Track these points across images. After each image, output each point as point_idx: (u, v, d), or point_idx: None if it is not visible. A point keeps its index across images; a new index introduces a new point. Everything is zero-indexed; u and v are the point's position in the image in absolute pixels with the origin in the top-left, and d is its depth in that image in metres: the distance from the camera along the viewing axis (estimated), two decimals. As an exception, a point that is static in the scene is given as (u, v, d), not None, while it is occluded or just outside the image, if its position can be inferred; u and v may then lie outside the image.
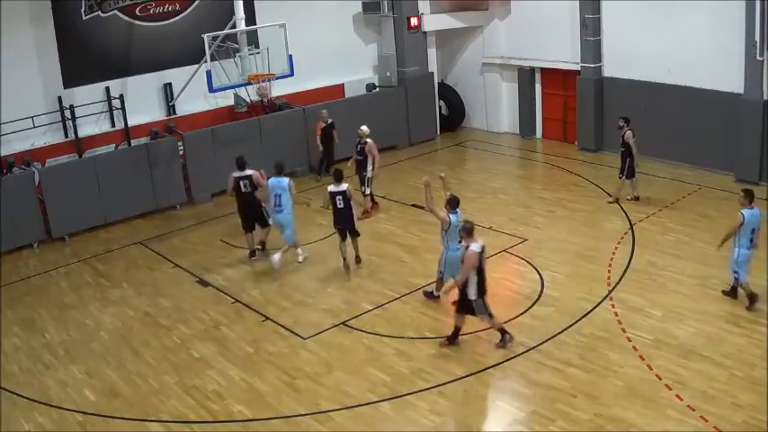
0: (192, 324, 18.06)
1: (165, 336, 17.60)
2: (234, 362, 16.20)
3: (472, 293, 15.35)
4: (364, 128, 23.91)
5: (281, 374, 15.61)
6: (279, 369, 15.83)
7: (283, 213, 20.57)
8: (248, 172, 20.96)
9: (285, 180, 20.58)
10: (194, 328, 17.88)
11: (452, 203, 17.63)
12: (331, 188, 20.10)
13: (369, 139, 23.63)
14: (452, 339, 16.08)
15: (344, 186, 19.95)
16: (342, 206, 20.00)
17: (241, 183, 20.91)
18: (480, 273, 15.32)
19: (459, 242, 16.32)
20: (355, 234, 20.45)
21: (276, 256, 20.38)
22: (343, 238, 20.30)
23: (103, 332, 18.06)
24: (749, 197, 16.74)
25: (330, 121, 27.72)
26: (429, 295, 18.38)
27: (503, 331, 15.86)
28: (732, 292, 17.40)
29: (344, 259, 20.44)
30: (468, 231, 15.54)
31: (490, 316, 15.65)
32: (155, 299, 19.60)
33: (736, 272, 17.01)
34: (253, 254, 21.58)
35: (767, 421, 12.81)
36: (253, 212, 21.29)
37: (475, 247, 15.26)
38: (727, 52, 24.22)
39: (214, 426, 14.12)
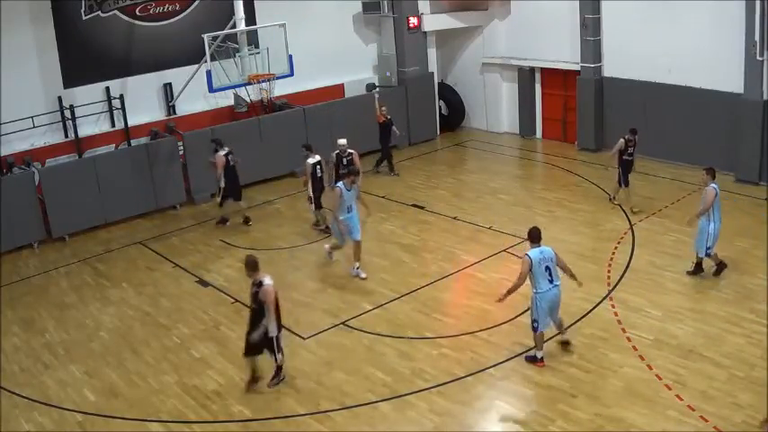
0: (191, 324, 18.07)
1: (165, 336, 17.61)
2: (234, 362, 16.15)
3: (273, 330, 14.65)
4: (344, 140, 23.17)
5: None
6: (279, 369, 15.84)
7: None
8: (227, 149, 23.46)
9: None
10: (194, 327, 17.88)
11: (533, 237, 15.10)
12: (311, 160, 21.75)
13: (352, 150, 23.15)
14: (252, 384, 15.16)
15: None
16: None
17: (229, 157, 23.35)
18: (278, 307, 14.72)
19: (550, 281, 14.89)
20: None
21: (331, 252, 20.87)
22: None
23: (103, 332, 18.07)
24: (712, 173, 18.02)
25: (389, 117, 27.87)
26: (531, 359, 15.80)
27: (279, 370, 15.25)
28: (698, 269, 18.37)
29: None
30: (252, 266, 14.61)
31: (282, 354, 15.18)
32: (155, 299, 19.62)
33: (709, 247, 17.96)
34: (248, 220, 24.25)
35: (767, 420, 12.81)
36: (239, 183, 24.08)
37: (268, 281, 14.40)
38: (727, 52, 24.25)
39: (214, 426, 14.12)
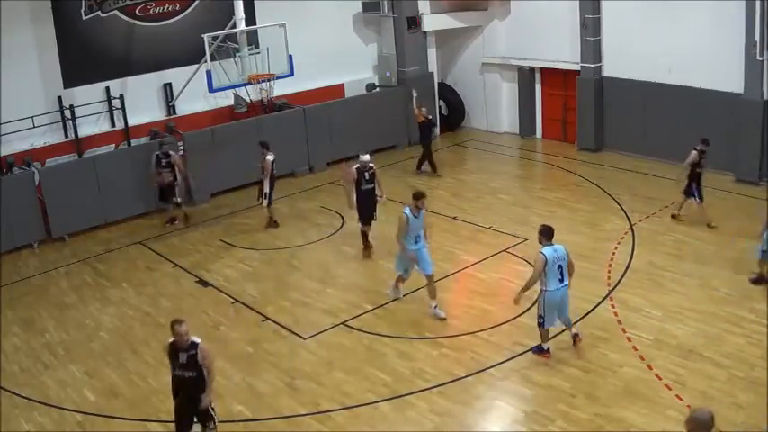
0: (191, 324, 17.89)
1: (165, 336, 17.34)
2: (234, 362, 16.21)
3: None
4: (367, 156, 21.07)
5: (280, 374, 15.65)
6: (279, 369, 15.87)
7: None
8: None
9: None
10: (194, 327, 17.73)
11: (547, 234, 15.20)
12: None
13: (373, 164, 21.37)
14: None
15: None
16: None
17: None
18: None
19: (561, 280, 14.93)
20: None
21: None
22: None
23: (103, 332, 18.08)
24: None
25: (430, 117, 27.81)
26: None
27: None
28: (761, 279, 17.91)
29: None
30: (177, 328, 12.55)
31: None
32: (155, 299, 19.63)
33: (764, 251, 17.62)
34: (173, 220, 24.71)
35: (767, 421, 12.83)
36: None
37: (198, 339, 12.76)
38: (727, 52, 24.26)
39: (214, 426, 14.12)
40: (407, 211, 17.18)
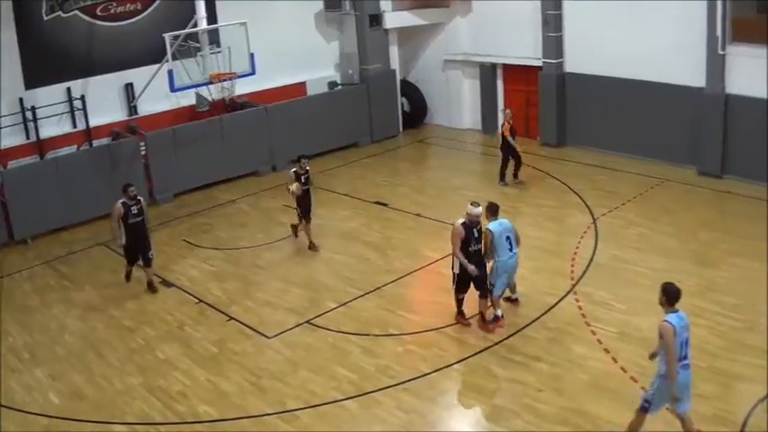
0: (156, 325, 18.02)
1: (130, 337, 17.56)
2: (199, 362, 16.20)
3: None
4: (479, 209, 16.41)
5: (246, 374, 15.64)
6: (244, 369, 15.86)
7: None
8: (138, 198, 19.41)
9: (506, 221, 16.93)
10: (159, 329, 17.84)
11: (492, 210, 16.33)
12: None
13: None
14: None
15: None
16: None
17: (134, 208, 19.13)
18: None
19: (510, 249, 16.33)
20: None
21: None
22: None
23: (68, 335, 17.98)
24: None
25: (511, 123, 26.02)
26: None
27: None
28: None
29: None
30: None
31: None
32: (118, 300, 19.50)
33: None
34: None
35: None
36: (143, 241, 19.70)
37: None
38: (689, 46, 24.48)
39: (180, 427, 14.11)
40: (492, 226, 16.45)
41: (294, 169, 21.15)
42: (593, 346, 15.65)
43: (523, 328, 16.29)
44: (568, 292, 18.00)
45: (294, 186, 20.94)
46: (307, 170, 21.19)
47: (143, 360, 16.51)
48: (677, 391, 11.54)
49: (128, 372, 16.07)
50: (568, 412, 13.61)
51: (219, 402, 14.77)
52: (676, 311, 11.60)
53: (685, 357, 11.75)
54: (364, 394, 14.68)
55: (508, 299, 17.31)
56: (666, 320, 11.51)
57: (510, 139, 25.34)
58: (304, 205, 21.34)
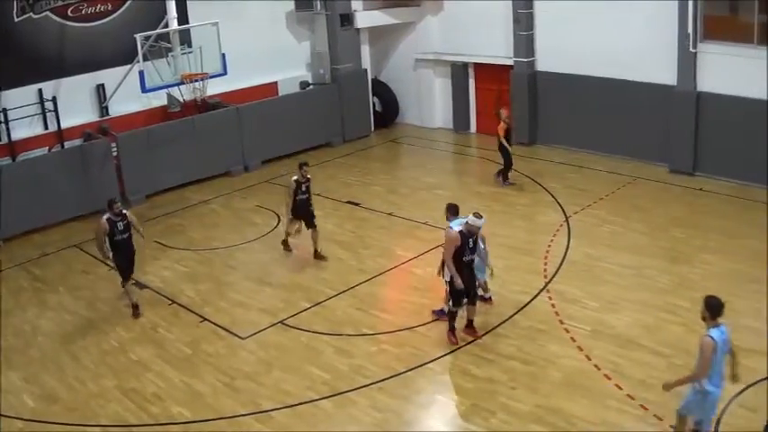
0: (129, 327, 17.99)
1: (103, 339, 17.52)
2: (173, 364, 16.20)
3: None
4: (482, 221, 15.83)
5: (220, 375, 15.66)
6: (218, 369, 15.88)
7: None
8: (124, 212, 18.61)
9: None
10: (132, 330, 17.82)
11: (453, 211, 16.34)
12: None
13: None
14: None
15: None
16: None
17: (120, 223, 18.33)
18: None
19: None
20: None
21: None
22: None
23: (41, 337, 17.90)
24: None
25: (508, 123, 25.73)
26: None
27: None
28: None
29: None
30: None
31: None
32: (92, 302, 19.48)
33: None
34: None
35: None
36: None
37: None
38: (661, 44, 24.68)
39: (154, 428, 14.12)
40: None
41: (295, 177, 20.58)
42: (567, 343, 15.78)
43: (497, 326, 16.40)
44: (541, 291, 18.13)
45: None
46: (308, 178, 20.75)
47: (117, 362, 16.48)
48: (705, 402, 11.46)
49: (101, 374, 16.05)
50: (543, 410, 13.70)
51: (194, 404, 14.77)
52: (719, 326, 11.11)
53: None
54: (338, 394, 14.72)
55: (482, 297, 17.29)
56: (709, 335, 11.03)
57: (503, 141, 25.26)
58: (305, 214, 20.82)
